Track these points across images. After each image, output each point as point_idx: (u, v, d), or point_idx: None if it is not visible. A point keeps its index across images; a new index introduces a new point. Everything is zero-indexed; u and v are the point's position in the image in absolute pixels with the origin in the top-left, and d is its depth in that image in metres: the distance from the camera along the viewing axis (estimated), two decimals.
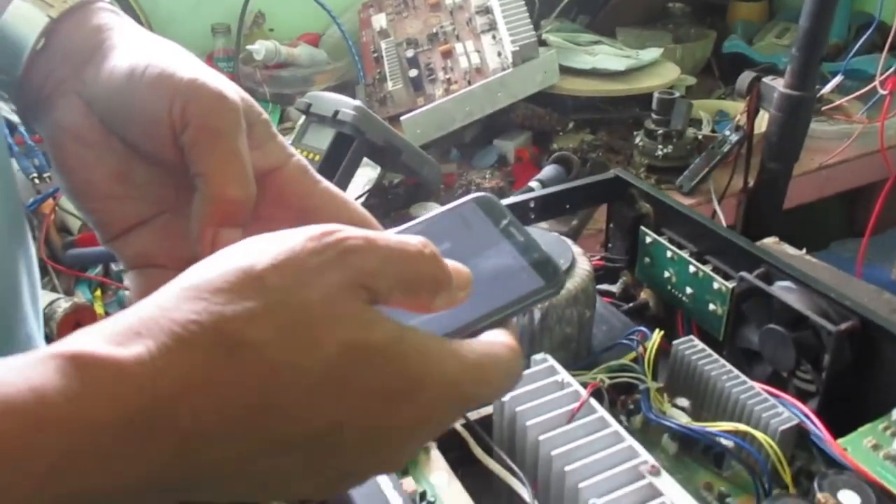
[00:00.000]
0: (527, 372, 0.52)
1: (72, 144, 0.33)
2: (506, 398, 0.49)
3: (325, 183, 0.35)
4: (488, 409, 0.53)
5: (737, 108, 1.18)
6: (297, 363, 0.23)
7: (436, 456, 0.49)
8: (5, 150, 0.34)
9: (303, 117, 0.98)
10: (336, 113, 0.91)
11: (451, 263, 0.29)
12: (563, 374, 0.51)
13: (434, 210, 0.36)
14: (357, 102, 0.91)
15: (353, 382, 0.24)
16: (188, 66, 0.32)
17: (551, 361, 0.52)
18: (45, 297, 0.82)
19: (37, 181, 0.95)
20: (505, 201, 0.69)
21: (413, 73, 1.19)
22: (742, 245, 0.60)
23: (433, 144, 1.16)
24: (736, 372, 0.55)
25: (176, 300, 0.23)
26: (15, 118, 0.36)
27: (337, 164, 0.93)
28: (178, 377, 0.22)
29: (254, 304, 0.23)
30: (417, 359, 0.25)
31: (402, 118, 1.10)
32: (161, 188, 0.34)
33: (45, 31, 0.34)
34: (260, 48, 1.23)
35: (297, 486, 0.25)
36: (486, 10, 1.20)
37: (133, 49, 0.33)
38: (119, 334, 0.22)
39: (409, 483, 0.47)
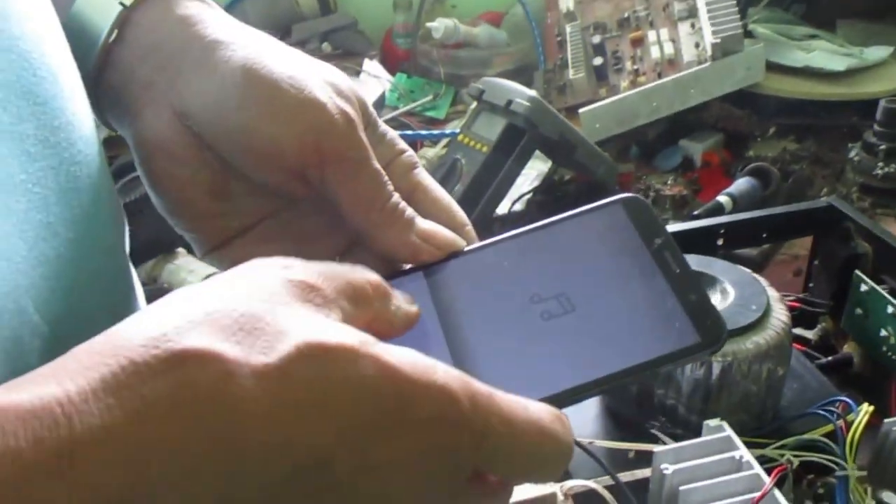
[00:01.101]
0: (698, 441, 0.43)
1: (163, 161, 0.30)
2: (668, 469, 0.41)
3: (429, 182, 0.33)
4: (645, 472, 0.45)
5: None
6: (252, 369, 0.19)
7: None
8: (106, 174, 0.32)
9: (474, 103, 0.93)
10: (509, 103, 0.85)
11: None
12: (743, 451, 0.42)
13: (570, 212, 0.29)
14: (532, 93, 0.85)
15: (324, 394, 0.20)
16: (308, 83, 0.29)
17: (728, 431, 0.44)
18: (202, 269, 0.83)
19: None
20: (688, 225, 0.60)
21: (598, 60, 1.10)
22: None
23: (612, 140, 1.07)
24: None
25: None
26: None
27: (506, 157, 0.87)
28: (99, 418, 0.18)
29: (189, 318, 0.20)
30: (404, 367, 0.21)
31: (580, 110, 1.02)
32: (259, 199, 0.32)
33: (119, 20, 0.30)
34: (439, 26, 1.19)
35: None
36: None
37: (238, 59, 0.29)
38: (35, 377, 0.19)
39: None
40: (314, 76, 0.30)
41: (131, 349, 0.19)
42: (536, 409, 0.24)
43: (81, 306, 0.27)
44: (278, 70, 0.29)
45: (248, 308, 0.21)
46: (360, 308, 0.24)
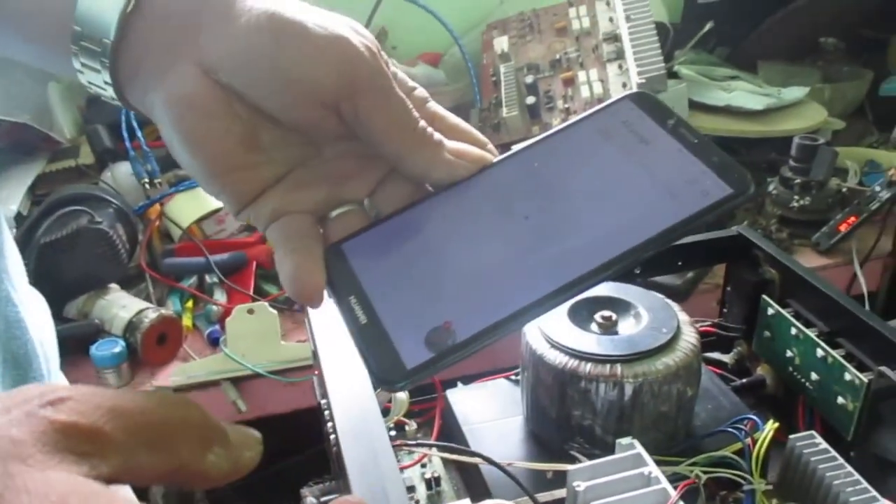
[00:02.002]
0: (609, 458, 0.45)
1: (193, 117, 0.31)
2: (580, 486, 0.43)
3: (445, 112, 0.35)
4: (563, 492, 0.47)
5: (891, 160, 1.06)
6: None
7: None
8: None
9: None
10: None
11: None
12: (652, 467, 0.44)
13: (581, 115, 0.33)
14: None
15: None
16: (331, 23, 0.31)
17: (639, 449, 0.45)
18: (135, 304, 0.82)
19: (147, 186, 0.97)
20: None
21: (531, 99, 1.14)
22: (885, 333, 0.50)
23: None
24: (864, 484, 0.46)
25: None
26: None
27: None
28: None
29: None
30: None
31: (513, 147, 1.05)
32: (288, 146, 0.33)
33: None
34: None
35: None
36: (615, 38, 1.14)
37: (260, 8, 0.31)
38: None
39: None
40: (334, 18, 0.31)
41: None
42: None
43: None
44: (301, 15, 0.31)
45: None
46: (159, 454, 0.21)
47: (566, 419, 0.51)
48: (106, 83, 0.32)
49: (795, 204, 0.99)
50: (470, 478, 0.53)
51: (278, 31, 0.30)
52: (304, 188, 0.34)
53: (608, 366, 0.49)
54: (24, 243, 0.80)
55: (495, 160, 0.35)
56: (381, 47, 0.32)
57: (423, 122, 0.33)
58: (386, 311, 0.31)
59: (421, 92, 0.35)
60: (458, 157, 0.34)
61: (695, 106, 1.13)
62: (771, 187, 1.02)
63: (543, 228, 0.32)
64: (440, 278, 0.32)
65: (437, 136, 0.33)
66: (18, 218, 0.91)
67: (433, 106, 0.35)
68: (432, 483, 0.53)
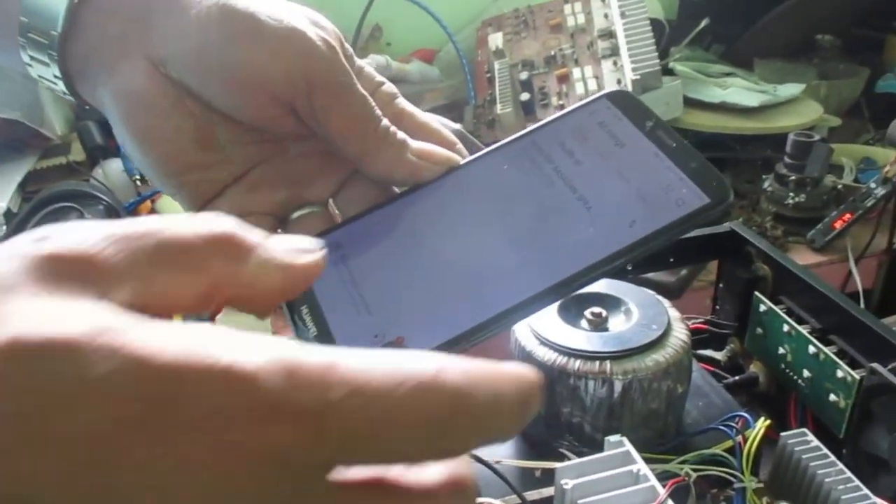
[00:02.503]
0: (598, 456, 0.45)
1: (143, 114, 0.30)
2: (568, 484, 0.42)
3: (413, 109, 0.34)
4: (551, 490, 0.46)
5: (887, 157, 1.05)
6: None
7: None
8: None
9: None
10: None
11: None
12: (640, 465, 0.44)
13: (556, 114, 0.31)
14: (457, 126, 0.86)
15: (16, 408, 0.14)
16: (286, 14, 0.29)
17: (628, 447, 0.45)
18: None
19: (138, 182, 0.96)
20: None
21: (525, 96, 1.13)
22: (877, 330, 0.50)
23: None
24: (855, 481, 0.46)
25: None
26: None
27: None
28: None
29: None
30: (159, 357, 0.15)
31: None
32: (247, 145, 0.32)
33: None
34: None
35: None
36: (610, 35, 1.13)
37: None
38: None
39: None
40: (291, 9, 0.30)
41: None
42: (415, 363, 0.16)
43: None
44: (254, 6, 0.29)
45: None
46: (183, 274, 0.18)
47: (555, 417, 0.50)
48: (56, 77, 0.31)
49: (790, 201, 0.98)
50: None
51: (228, 25, 0.29)
52: (263, 189, 0.32)
53: (597, 362, 0.48)
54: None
55: (463, 162, 0.33)
56: (374, 41, 0.31)
57: (385, 121, 0.31)
58: (338, 323, 0.29)
59: (389, 88, 0.34)
60: (423, 158, 0.32)
61: (690, 103, 1.13)
62: (766, 184, 1.02)
63: (507, 238, 0.30)
64: (396, 291, 0.30)
65: (401, 135, 0.32)
66: (8, 215, 0.91)
67: (402, 103, 0.34)
68: None
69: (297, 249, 0.20)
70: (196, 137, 0.30)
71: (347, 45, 0.32)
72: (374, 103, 0.31)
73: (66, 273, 0.17)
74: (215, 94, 0.30)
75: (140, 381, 0.15)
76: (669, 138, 0.29)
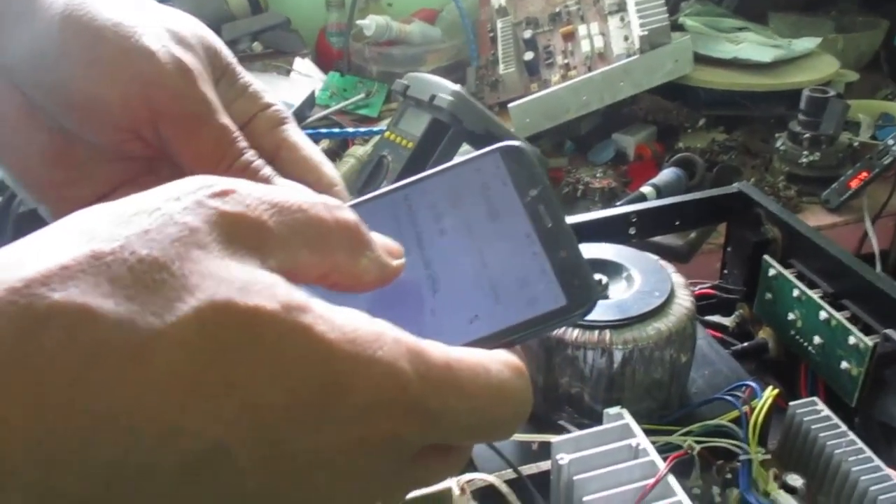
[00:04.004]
0: (595, 429, 0.43)
1: None
2: (564, 460, 0.40)
3: (297, 139, 0.30)
4: (547, 465, 0.44)
5: None
6: (138, 335, 0.16)
7: None
8: None
9: (401, 99, 0.92)
10: (433, 97, 0.84)
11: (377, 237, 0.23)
12: (640, 438, 0.42)
13: (446, 164, 0.27)
14: (456, 87, 0.84)
15: (227, 370, 0.16)
16: (137, 30, 0.26)
17: (627, 419, 0.43)
18: None
19: None
20: (601, 213, 0.60)
21: (529, 55, 1.10)
22: (892, 294, 0.47)
23: (545, 135, 1.07)
24: (867, 452, 0.44)
25: None
26: None
27: (431, 152, 0.86)
28: None
29: (64, 259, 0.16)
30: (339, 341, 0.18)
31: (509, 105, 1.01)
32: (111, 164, 0.29)
33: None
34: (370, 24, 1.17)
35: None
36: None
37: (59, 6, 0.26)
38: None
39: None
40: (149, 23, 0.27)
41: None
42: (498, 371, 0.21)
43: None
44: (103, 16, 0.26)
45: (150, 252, 0.17)
46: (317, 255, 0.20)
47: (553, 388, 0.48)
48: None
49: (804, 160, 0.95)
50: None
51: (66, 38, 0.26)
52: None
53: (596, 332, 0.46)
54: (1, 214, 0.78)
55: None
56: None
57: (248, 155, 0.28)
58: None
59: (275, 112, 0.30)
60: None
61: (700, 59, 1.09)
62: (779, 143, 0.98)
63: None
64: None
65: (265, 172, 0.28)
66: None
67: (286, 131, 0.30)
68: None
69: (392, 251, 0.23)
70: (50, 154, 0.28)
71: (229, 61, 0.29)
72: (236, 136, 0.28)
73: (243, 235, 0.18)
74: (56, 112, 0.27)
75: (324, 363, 0.17)
76: (548, 215, 0.25)
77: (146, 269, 0.16)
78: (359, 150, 1.00)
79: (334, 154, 1.03)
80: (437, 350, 0.20)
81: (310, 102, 1.09)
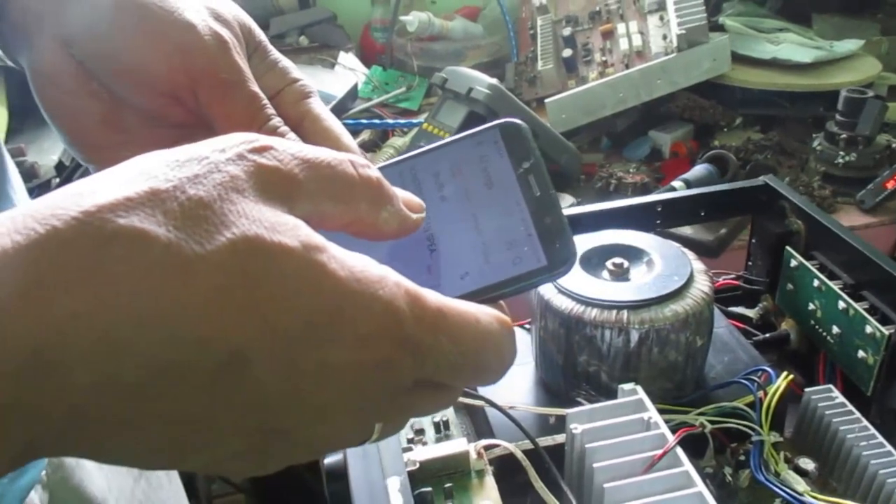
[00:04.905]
0: (610, 403, 0.45)
1: (54, 91, 0.31)
2: (577, 429, 0.42)
3: (320, 112, 0.32)
4: (562, 437, 0.46)
5: None
6: (183, 257, 0.19)
7: (490, 484, 0.43)
8: None
9: (440, 92, 0.94)
10: (470, 90, 0.86)
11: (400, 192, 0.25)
12: (652, 412, 0.43)
13: (451, 137, 0.30)
14: (492, 81, 0.86)
15: (252, 292, 0.19)
16: (180, 5, 0.29)
17: (641, 395, 0.45)
18: None
19: None
20: (626, 201, 0.61)
21: (567, 52, 1.11)
22: None
23: (582, 130, 1.09)
24: (879, 438, 0.45)
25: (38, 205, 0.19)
26: None
27: None
28: (20, 279, 0.17)
29: (129, 192, 0.19)
30: (348, 278, 0.21)
31: (546, 101, 1.03)
32: (155, 129, 0.32)
33: None
34: (413, 19, 1.20)
35: (207, 439, 0.20)
36: None
37: None
38: None
39: None
40: (191, 1, 0.30)
41: (63, 219, 0.18)
42: (487, 321, 0.24)
43: None
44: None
45: (197, 192, 0.20)
46: (341, 206, 0.23)
47: (572, 366, 0.50)
48: None
49: (840, 160, 0.95)
50: (479, 423, 0.53)
51: (119, 12, 0.29)
52: None
53: (614, 312, 0.48)
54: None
55: None
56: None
57: (275, 121, 0.31)
58: None
59: (301, 87, 0.33)
60: None
61: (739, 59, 1.09)
62: (815, 143, 0.98)
63: None
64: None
65: (291, 136, 0.31)
66: (59, 167, 0.94)
67: (310, 104, 0.33)
68: (441, 427, 0.53)
69: (412, 206, 0.26)
70: (102, 119, 0.31)
71: (261, 39, 0.32)
72: (265, 103, 0.31)
73: (276, 185, 0.21)
74: (108, 79, 0.30)
75: (333, 295, 0.20)
76: (538, 185, 0.27)
77: (193, 206, 0.19)
78: (398, 141, 1.03)
79: (374, 144, 1.06)
80: (432, 296, 0.23)
81: (352, 95, 1.12)
